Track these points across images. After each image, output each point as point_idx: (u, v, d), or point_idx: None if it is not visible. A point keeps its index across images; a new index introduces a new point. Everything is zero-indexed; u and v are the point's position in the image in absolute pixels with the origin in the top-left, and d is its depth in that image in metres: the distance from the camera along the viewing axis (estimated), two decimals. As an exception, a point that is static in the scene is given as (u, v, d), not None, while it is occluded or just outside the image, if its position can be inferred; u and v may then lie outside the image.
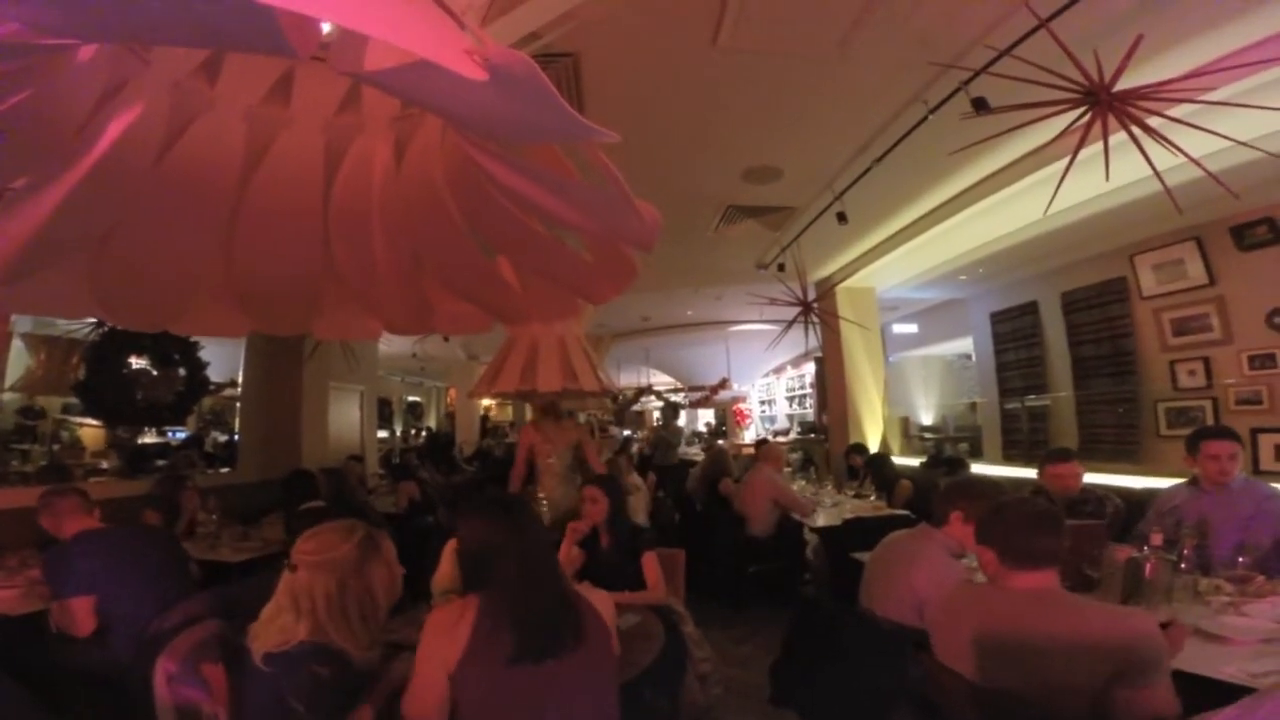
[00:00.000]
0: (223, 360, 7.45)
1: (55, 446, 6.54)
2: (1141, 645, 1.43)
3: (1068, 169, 2.34)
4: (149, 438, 7.78)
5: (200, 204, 1.30)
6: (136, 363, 5.81)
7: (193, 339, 6.10)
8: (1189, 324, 5.18)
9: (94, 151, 1.06)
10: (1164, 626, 1.65)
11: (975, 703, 1.54)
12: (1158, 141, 2.26)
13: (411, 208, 1.28)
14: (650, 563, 2.86)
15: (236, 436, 7.22)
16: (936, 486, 3.25)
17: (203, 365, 6.23)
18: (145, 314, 1.45)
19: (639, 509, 5.03)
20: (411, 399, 16.38)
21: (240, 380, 7.03)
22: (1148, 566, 2.25)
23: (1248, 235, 4.66)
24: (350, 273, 1.36)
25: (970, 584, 2.01)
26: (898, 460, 6.44)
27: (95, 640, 2.42)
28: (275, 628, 1.62)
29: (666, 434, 8.75)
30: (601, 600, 1.62)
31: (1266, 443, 4.55)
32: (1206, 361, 5.06)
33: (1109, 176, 2.31)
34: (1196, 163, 2.38)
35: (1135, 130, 2.22)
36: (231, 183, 1.29)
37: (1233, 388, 4.85)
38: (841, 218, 4.18)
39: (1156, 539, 2.41)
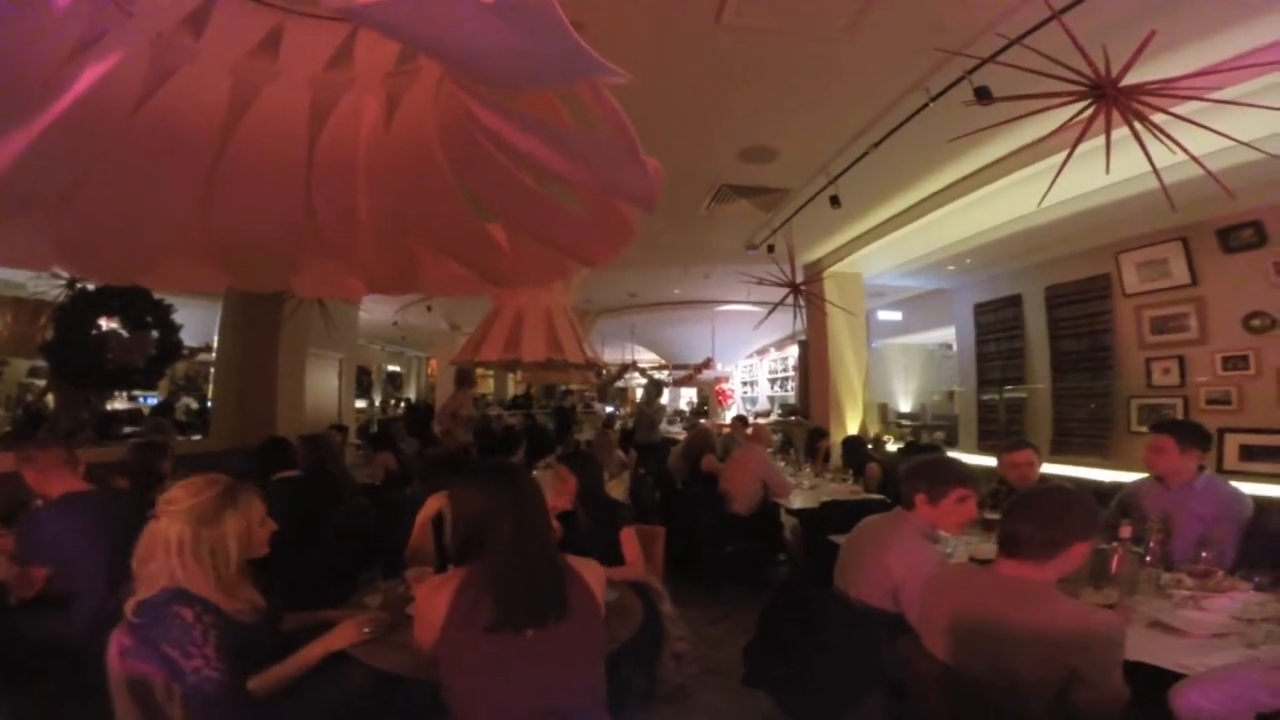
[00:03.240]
0: (198, 324, 7.27)
1: (19, 411, 6.36)
2: (1099, 644, 1.46)
3: (1065, 162, 2.34)
4: (118, 403, 7.62)
5: (178, 157, 1.24)
6: (107, 324, 5.64)
7: (166, 301, 5.94)
8: (1168, 323, 5.25)
9: (63, 100, 1.00)
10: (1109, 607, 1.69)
11: (944, 686, 1.57)
12: (1160, 139, 2.26)
13: (401, 165, 1.24)
14: (629, 539, 2.85)
15: (209, 403, 7.09)
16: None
17: (176, 328, 6.06)
18: (114, 267, 1.40)
19: (621, 487, 5.06)
20: (391, 369, 16.24)
21: (215, 344, 6.89)
22: (1114, 559, 2.31)
23: (1234, 237, 4.71)
24: (333, 230, 1.32)
25: (954, 564, 2.05)
26: (876, 446, 6.56)
27: (57, 612, 2.35)
28: (144, 576, 1.67)
29: (649, 411, 8.76)
30: (593, 574, 1.62)
31: (1232, 442, 4.66)
32: (1181, 360, 5.14)
33: (1109, 170, 2.30)
34: (1198, 161, 2.39)
35: (1138, 126, 2.22)
36: (212, 136, 1.24)
37: (1204, 387, 4.95)
38: (835, 201, 4.16)
39: (1125, 531, 2.43)
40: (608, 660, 2.39)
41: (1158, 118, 2.24)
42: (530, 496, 1.59)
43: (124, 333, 5.73)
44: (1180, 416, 5.05)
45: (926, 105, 2.92)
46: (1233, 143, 2.39)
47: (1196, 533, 2.52)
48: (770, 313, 5.81)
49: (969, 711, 1.52)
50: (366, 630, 1.85)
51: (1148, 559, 2.40)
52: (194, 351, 7.75)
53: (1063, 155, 2.48)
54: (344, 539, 3.91)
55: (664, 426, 10.10)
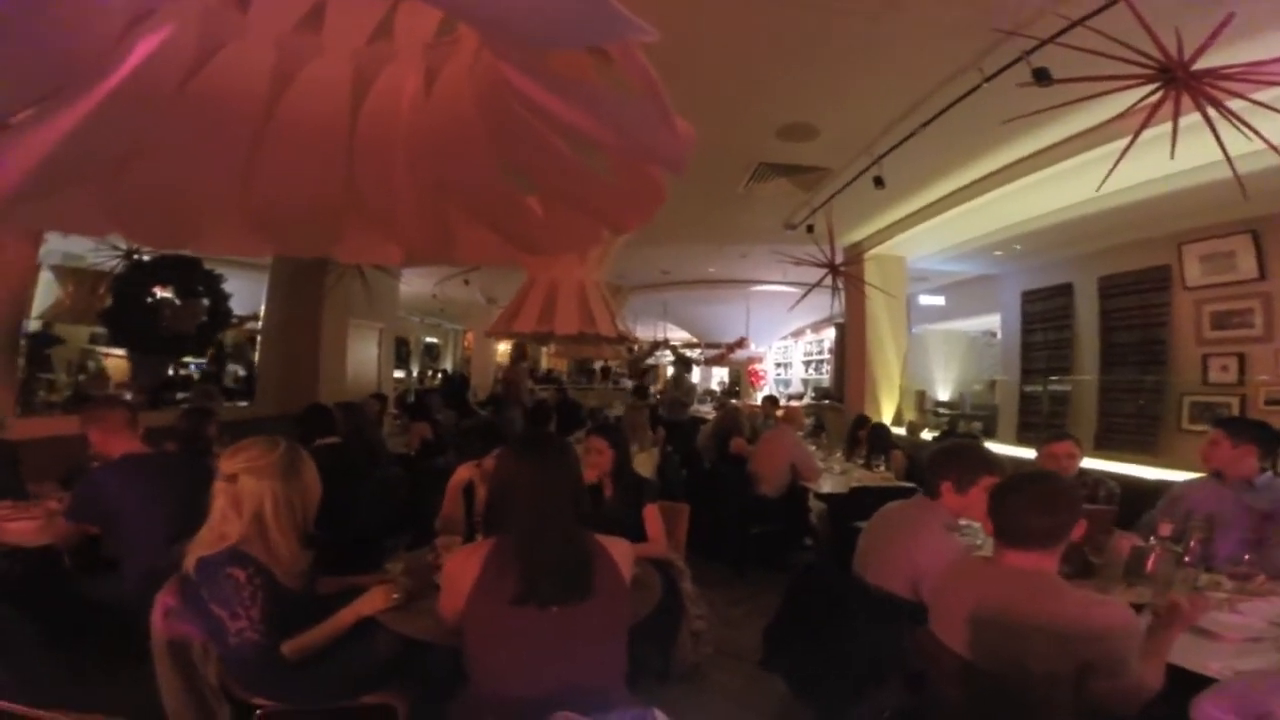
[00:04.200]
0: (245, 293, 7.51)
1: (81, 377, 6.68)
2: (1110, 637, 1.43)
3: (1127, 148, 2.22)
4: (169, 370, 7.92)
5: (224, 127, 1.27)
6: (161, 293, 5.89)
7: (216, 271, 6.17)
8: (1230, 318, 5.02)
9: (118, 73, 1.03)
10: (1172, 608, 1.64)
11: (963, 680, 1.56)
12: (1236, 125, 2.12)
13: (439, 135, 1.25)
14: (652, 515, 2.86)
15: (255, 370, 7.36)
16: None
17: (226, 297, 6.28)
18: (165, 233, 1.46)
19: (649, 464, 5.08)
20: (429, 340, 16.55)
21: (262, 313, 7.13)
22: (1151, 557, 2.24)
23: (1309, 232, 4.45)
24: (372, 198, 1.35)
25: (972, 557, 2.02)
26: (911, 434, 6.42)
27: (110, 573, 2.44)
28: (215, 535, 1.72)
29: (678, 391, 8.75)
30: (621, 551, 1.61)
31: (1292, 445, 4.44)
32: (1241, 358, 4.92)
33: (1174, 156, 2.17)
34: (1276, 150, 2.24)
35: (1211, 113, 2.08)
36: (257, 107, 1.26)
37: (1265, 386, 4.72)
38: (878, 182, 4.03)
39: (1165, 529, 2.35)
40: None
41: (1235, 104, 2.10)
42: (557, 470, 1.57)
43: (177, 301, 5.97)
44: (1235, 414, 4.84)
45: (979, 86, 2.78)
46: None
47: (1248, 531, 2.44)
48: (807, 293, 5.72)
49: (986, 704, 1.51)
50: (395, 596, 1.90)
51: (1186, 558, 2.31)
52: (242, 320, 8.03)
53: (1123, 141, 2.35)
54: (377, 506, 4.05)
55: (695, 406, 10.08)
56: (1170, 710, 1.33)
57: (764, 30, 2.89)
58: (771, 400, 7.71)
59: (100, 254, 5.86)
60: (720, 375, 16.56)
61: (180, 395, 6.75)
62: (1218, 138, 2.09)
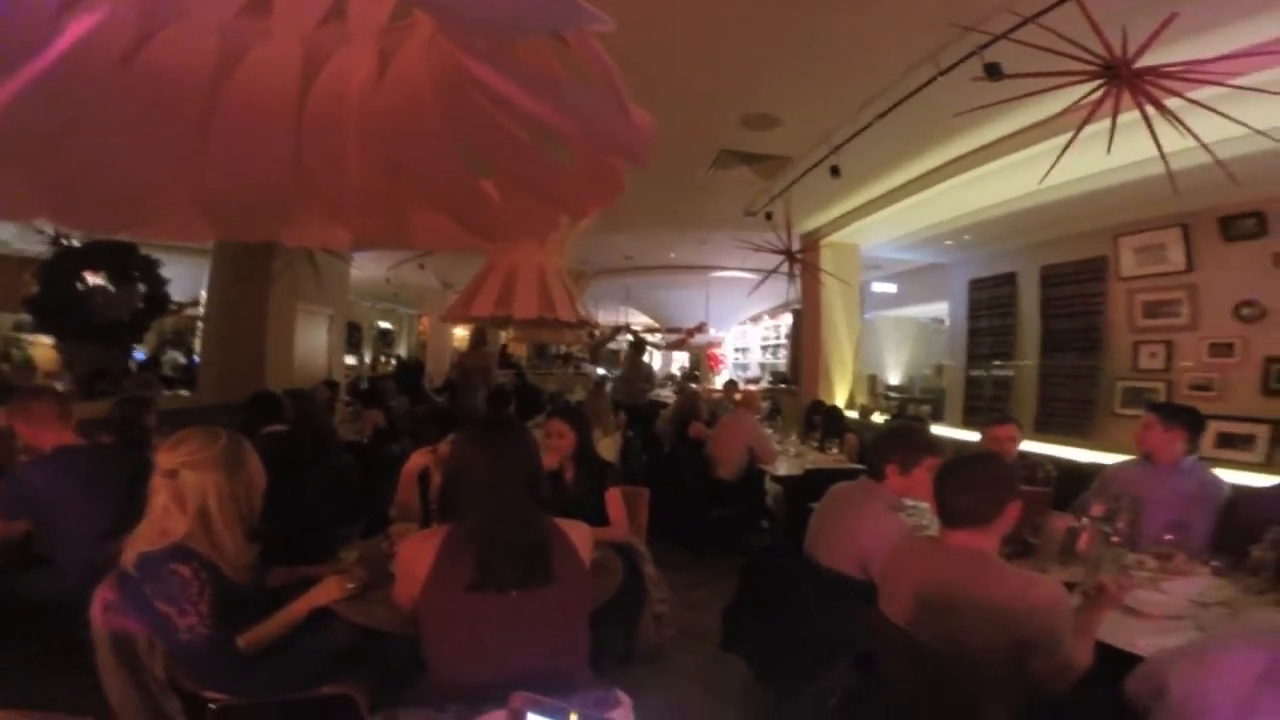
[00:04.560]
0: (187, 279, 7.18)
1: (4, 365, 6.31)
2: (1044, 614, 1.50)
3: (1069, 143, 2.31)
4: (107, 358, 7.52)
5: (165, 109, 1.20)
6: (93, 279, 5.58)
7: (153, 256, 5.87)
8: (1160, 308, 5.28)
9: (49, 52, 0.97)
10: (1099, 589, 1.72)
11: (909, 658, 1.62)
12: (1171, 123, 2.23)
13: (393, 119, 1.21)
14: (614, 499, 2.87)
15: (196, 358, 7.05)
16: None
17: (163, 282, 6.00)
18: (99, 217, 1.37)
19: (612, 448, 5.10)
20: (383, 325, 16.13)
21: (203, 299, 6.81)
22: (1082, 537, 2.37)
23: (1234, 226, 4.70)
24: (322, 182, 1.30)
25: (918, 537, 2.10)
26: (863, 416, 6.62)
27: (44, 569, 2.35)
28: (156, 531, 1.67)
29: (632, 373, 8.74)
30: (580, 535, 1.60)
31: (1211, 429, 4.72)
32: (1169, 345, 5.19)
33: (1110, 151, 2.27)
34: (1207, 148, 2.36)
35: (1150, 111, 2.18)
36: (201, 89, 1.20)
37: (1189, 372, 5.01)
38: (835, 172, 4.10)
39: (1096, 510, 2.48)
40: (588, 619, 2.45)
41: (1171, 102, 2.21)
42: (513, 454, 1.54)
43: (109, 287, 5.65)
44: (1163, 400, 5.12)
45: (935, 79, 2.85)
46: (1241, 131, 2.36)
47: (1174, 512, 2.57)
48: (764, 279, 5.79)
49: (932, 682, 1.57)
50: (350, 586, 1.87)
51: (1115, 538, 2.45)
52: (182, 306, 7.67)
53: (1067, 136, 2.45)
54: (327, 495, 3.95)
55: (655, 390, 10.10)
56: (1101, 687, 1.41)
57: (732, 21, 2.89)
58: (732, 385, 7.82)
59: (26, 239, 5.53)
60: (682, 360, 16.69)
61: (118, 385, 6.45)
62: (1154, 135, 2.19)
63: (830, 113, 3.79)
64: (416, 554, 1.49)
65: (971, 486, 1.65)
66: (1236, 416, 4.56)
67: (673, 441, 5.75)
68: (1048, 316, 6.29)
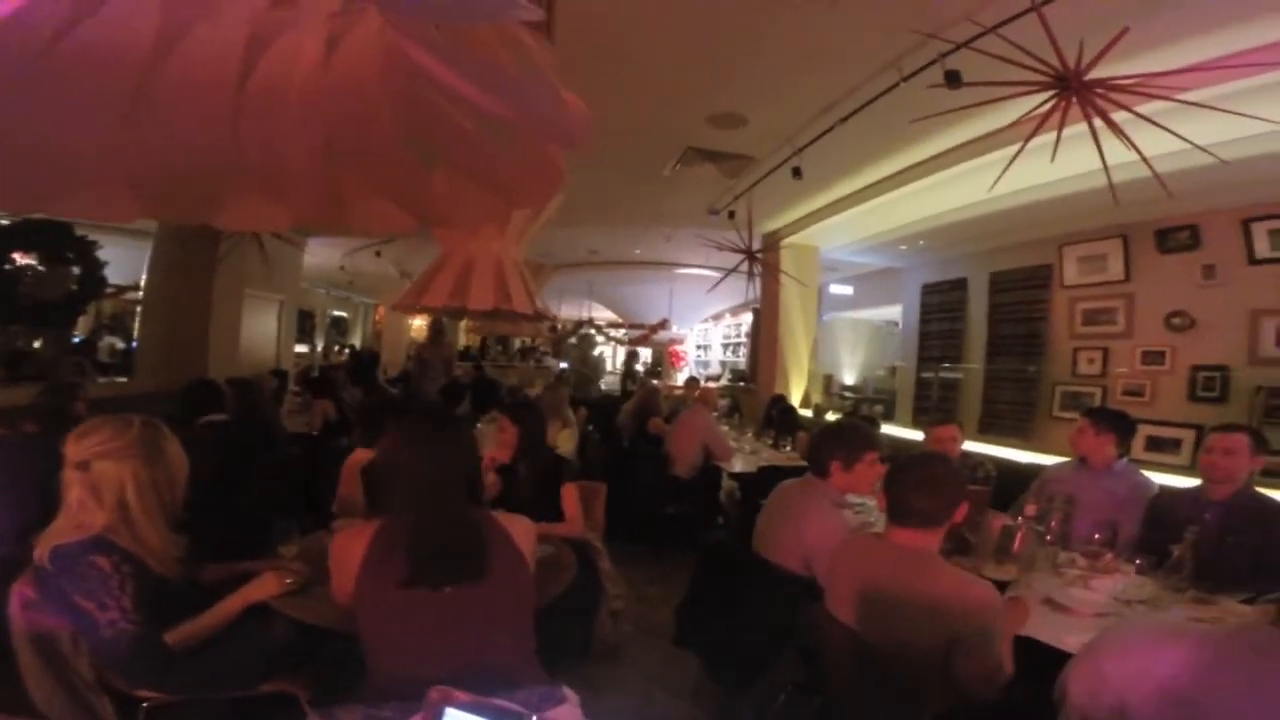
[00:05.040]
0: (126, 261, 6.80)
1: None
2: (976, 614, 1.53)
3: (1018, 152, 2.39)
4: (37, 341, 7.11)
5: (93, 85, 1.12)
6: (23, 259, 5.24)
7: (89, 237, 5.56)
8: (1098, 315, 5.51)
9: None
10: (1016, 603, 1.79)
11: (853, 654, 1.65)
12: (1117, 136, 2.32)
13: (337, 102, 1.16)
14: (569, 495, 2.85)
15: (135, 343, 6.71)
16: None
17: (100, 264, 5.68)
18: (20, 194, 1.27)
19: (570, 442, 5.06)
20: (336, 314, 15.65)
21: (143, 282, 6.48)
22: (1017, 536, 2.45)
23: (1170, 239, 4.94)
24: (260, 162, 1.24)
25: (860, 535, 2.13)
26: (817, 415, 6.75)
27: None
28: (72, 525, 1.60)
29: (584, 368, 8.70)
30: (521, 529, 1.58)
31: (1141, 433, 4.97)
32: (1105, 352, 5.42)
33: (1054, 159, 2.35)
34: (1146, 161, 2.46)
35: (1098, 123, 2.26)
36: (135, 66, 1.12)
37: (1122, 378, 5.26)
38: (796, 173, 4.15)
39: (1030, 510, 2.58)
40: (541, 616, 2.42)
41: (1117, 116, 2.30)
42: (446, 448, 1.51)
43: (40, 267, 5.32)
44: (1098, 405, 5.36)
45: (897, 84, 2.91)
46: (1179, 145, 2.48)
47: (1105, 513, 2.65)
48: (724, 277, 5.84)
49: (870, 679, 1.60)
50: (289, 581, 1.83)
51: (1048, 538, 2.54)
52: (121, 289, 7.27)
53: (1017, 146, 2.53)
54: (271, 488, 3.81)
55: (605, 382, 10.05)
56: (1031, 686, 1.43)
57: (703, 19, 2.90)
58: (694, 381, 7.87)
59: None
60: (645, 356, 16.73)
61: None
62: (1099, 147, 2.28)
63: (795, 114, 3.83)
64: (347, 549, 1.46)
65: (927, 487, 1.67)
66: (1165, 421, 4.82)
67: (632, 436, 5.74)
68: (995, 321, 6.50)
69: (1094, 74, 2.09)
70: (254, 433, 4.32)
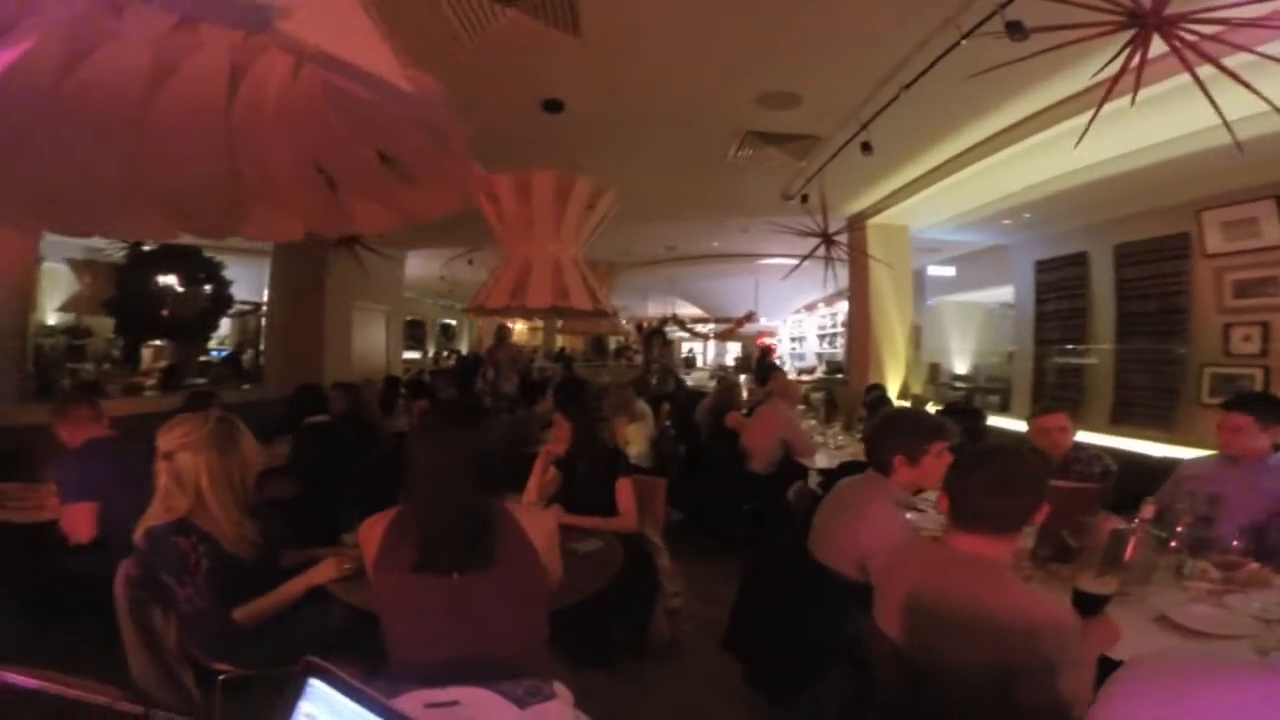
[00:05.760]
0: (253, 280, 7.66)
1: (106, 365, 6.91)
2: (1041, 639, 1.30)
3: (1099, 109, 2.06)
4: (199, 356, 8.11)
5: (106, 120, 1.26)
6: (164, 281, 6.03)
7: (216, 259, 6.30)
8: (1253, 286, 4.77)
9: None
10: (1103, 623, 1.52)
11: (896, 668, 1.49)
12: (1229, 75, 1.95)
13: (305, 117, 1.24)
14: (624, 489, 2.85)
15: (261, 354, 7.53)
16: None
17: (227, 283, 6.46)
18: (70, 220, 1.46)
19: (640, 438, 5.06)
20: (445, 321, 16.68)
21: (265, 299, 7.25)
22: (1130, 542, 2.11)
23: (1335, 195, 4.17)
24: (256, 180, 1.35)
25: (919, 538, 1.92)
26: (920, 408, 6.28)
27: (96, 547, 2.50)
28: (162, 509, 1.79)
29: (665, 360, 8.66)
30: (535, 522, 1.61)
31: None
32: (1265, 326, 4.69)
33: (1134, 101, 2.01)
34: (1268, 101, 2.06)
35: (1196, 63, 1.91)
36: (135, 100, 1.25)
37: (1291, 356, 4.49)
38: (866, 148, 3.86)
39: (1148, 511, 2.16)
40: (594, 613, 2.42)
41: (1235, 59, 1.92)
42: (456, 440, 1.56)
43: (179, 288, 6.09)
44: (1260, 388, 4.61)
45: (958, 43, 2.62)
46: None
47: (1256, 515, 2.28)
48: (799, 264, 5.58)
49: (917, 700, 1.43)
50: (346, 567, 1.95)
51: (1173, 544, 2.18)
52: (256, 306, 8.19)
53: (1123, 101, 2.18)
54: (373, 481, 4.10)
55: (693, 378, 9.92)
56: None
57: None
58: (777, 374, 7.58)
59: (114, 246, 6.03)
60: (736, 350, 16.44)
61: (200, 380, 6.97)
62: (1202, 86, 1.92)
63: (852, 87, 3.56)
64: (368, 534, 1.56)
65: (998, 487, 1.45)
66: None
67: (710, 432, 5.63)
68: (1123, 298, 5.81)
69: (1175, 8, 1.75)
70: (356, 432, 4.69)
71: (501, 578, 1.49)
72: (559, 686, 1.29)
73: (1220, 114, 1.99)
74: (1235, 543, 2.15)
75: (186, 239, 6.17)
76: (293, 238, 1.59)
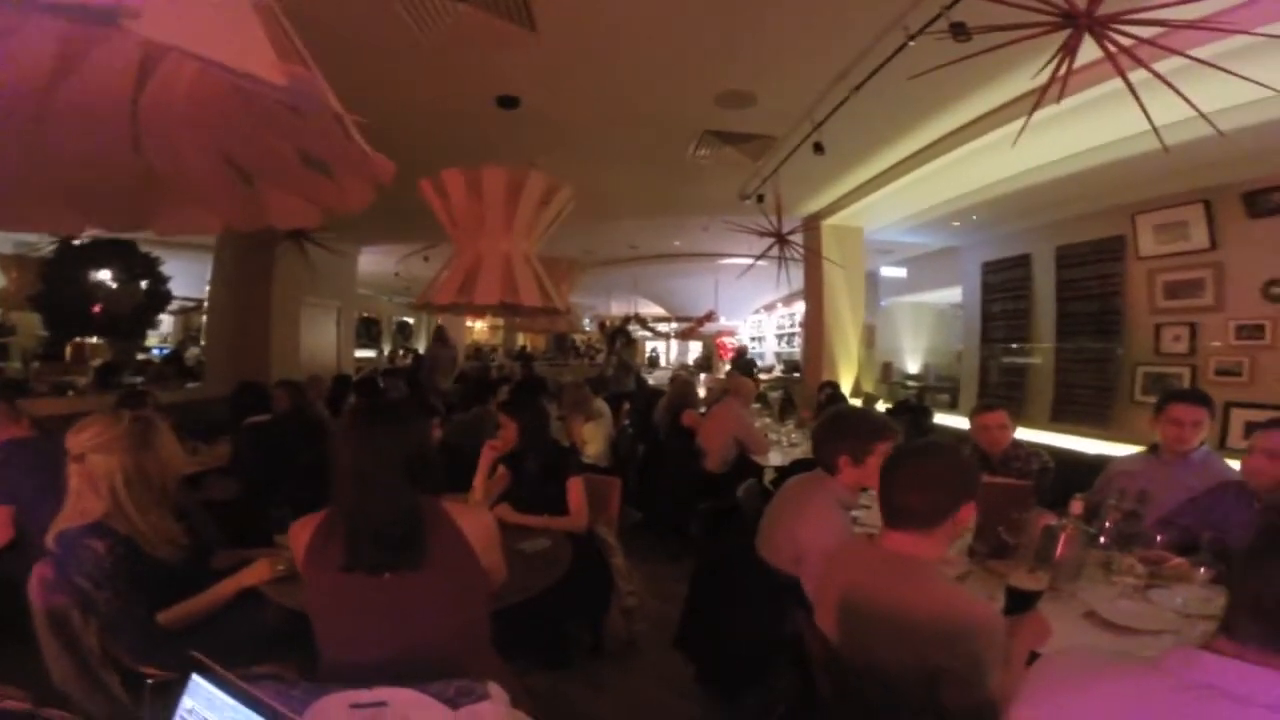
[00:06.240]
0: (193, 275, 7.32)
1: (35, 363, 6.56)
2: (967, 637, 1.30)
3: (1035, 106, 2.11)
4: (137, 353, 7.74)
5: (5, 110, 1.17)
6: (96, 277, 5.73)
7: (154, 254, 6.03)
8: (1182, 288, 4.98)
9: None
10: (1033, 619, 1.55)
11: (828, 668, 1.49)
12: (1160, 80, 2.01)
13: (217, 109, 1.17)
14: (574, 488, 2.81)
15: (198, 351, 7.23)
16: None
17: (164, 279, 6.21)
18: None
19: (598, 437, 5.02)
20: (402, 320, 16.30)
21: (207, 294, 6.94)
22: (1061, 538, 2.15)
23: (1261, 201, 4.38)
24: (167, 171, 1.26)
25: (852, 537, 1.93)
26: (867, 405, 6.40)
27: (13, 550, 2.42)
28: (75, 513, 1.75)
29: (625, 357, 8.68)
30: (473, 520, 1.57)
31: (1239, 417, 4.43)
32: (1193, 327, 4.89)
33: (1061, 99, 2.07)
34: (1195, 107, 2.14)
35: (1128, 67, 1.97)
36: (38, 90, 1.16)
37: (1215, 356, 4.71)
38: (818, 148, 3.91)
39: (1076, 507, 2.20)
40: (548, 613, 2.37)
41: (1168, 64, 1.99)
42: (383, 439, 1.51)
43: (112, 284, 5.80)
44: (1187, 386, 4.83)
45: (905, 45, 2.66)
46: (1258, 94, 2.13)
47: (1185, 510, 2.34)
48: (754, 263, 5.62)
49: (849, 700, 1.43)
50: (280, 568, 1.92)
51: (1101, 539, 2.24)
52: (199, 303, 7.86)
53: (1064, 104, 2.24)
54: (311, 481, 3.96)
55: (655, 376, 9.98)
56: None
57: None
58: (733, 372, 7.65)
59: (44, 240, 5.71)
60: (696, 350, 16.54)
61: (139, 378, 6.64)
62: (1130, 86, 1.98)
63: (805, 87, 3.59)
64: (298, 535, 1.53)
65: (921, 483, 1.47)
66: (1268, 404, 4.25)
67: (667, 430, 5.62)
68: (1063, 299, 6.01)
69: (1108, 8, 1.80)
70: (300, 431, 4.52)
71: (435, 577, 1.46)
72: (494, 687, 1.25)
73: (1149, 118, 2.07)
74: (1160, 537, 2.22)
75: (136, 234, 5.95)
76: (209, 233, 1.51)
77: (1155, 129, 2.11)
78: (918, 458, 1.56)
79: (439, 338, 7.96)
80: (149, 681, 1.71)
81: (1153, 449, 2.73)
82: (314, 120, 1.06)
